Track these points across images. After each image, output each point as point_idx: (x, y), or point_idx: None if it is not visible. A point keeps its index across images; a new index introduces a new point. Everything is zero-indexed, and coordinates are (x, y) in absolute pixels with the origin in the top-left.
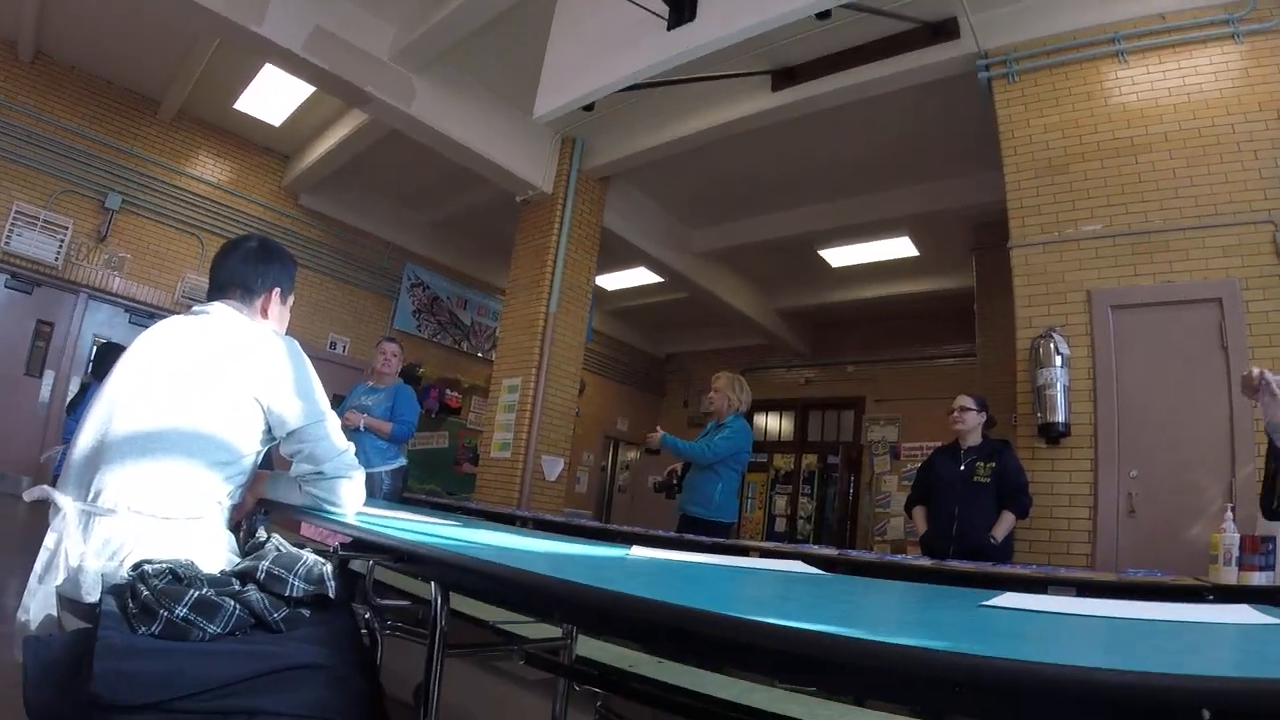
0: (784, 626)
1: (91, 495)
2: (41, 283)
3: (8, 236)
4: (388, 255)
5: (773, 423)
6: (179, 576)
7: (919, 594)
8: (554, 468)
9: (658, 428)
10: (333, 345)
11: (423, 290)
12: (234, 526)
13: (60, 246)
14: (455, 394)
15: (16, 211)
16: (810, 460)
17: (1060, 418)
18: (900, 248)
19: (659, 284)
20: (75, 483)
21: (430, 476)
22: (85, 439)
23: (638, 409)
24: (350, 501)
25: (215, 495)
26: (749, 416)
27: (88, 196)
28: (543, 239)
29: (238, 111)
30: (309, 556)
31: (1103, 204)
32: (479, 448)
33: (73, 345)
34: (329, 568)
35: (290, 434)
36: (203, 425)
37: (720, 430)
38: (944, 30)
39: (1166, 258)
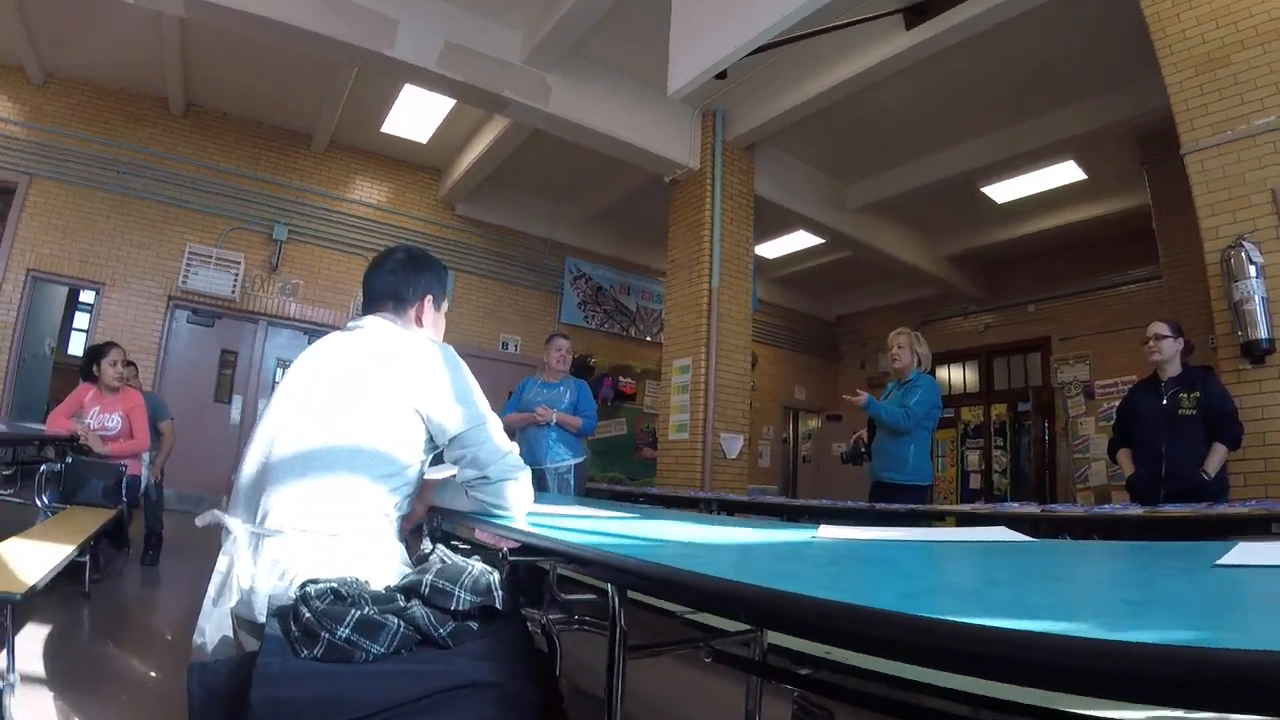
0: (985, 628)
1: (259, 517)
2: (222, 315)
3: (185, 276)
4: (547, 252)
5: (955, 375)
6: (341, 595)
7: (1139, 556)
8: (734, 445)
9: (858, 391)
10: (505, 345)
11: (585, 282)
12: (406, 537)
13: (235, 280)
14: (628, 380)
15: (190, 252)
16: (999, 410)
17: (1263, 333)
18: (1066, 173)
19: (820, 245)
20: (244, 506)
21: (612, 464)
22: (250, 462)
23: (814, 375)
24: (518, 503)
25: (382, 509)
26: (932, 371)
27: (256, 231)
28: (696, 215)
29: (386, 134)
30: (475, 566)
31: (1272, 92)
32: (657, 431)
33: (257, 370)
34: (496, 577)
35: (452, 440)
36: (363, 439)
37: (911, 391)
38: None
39: None
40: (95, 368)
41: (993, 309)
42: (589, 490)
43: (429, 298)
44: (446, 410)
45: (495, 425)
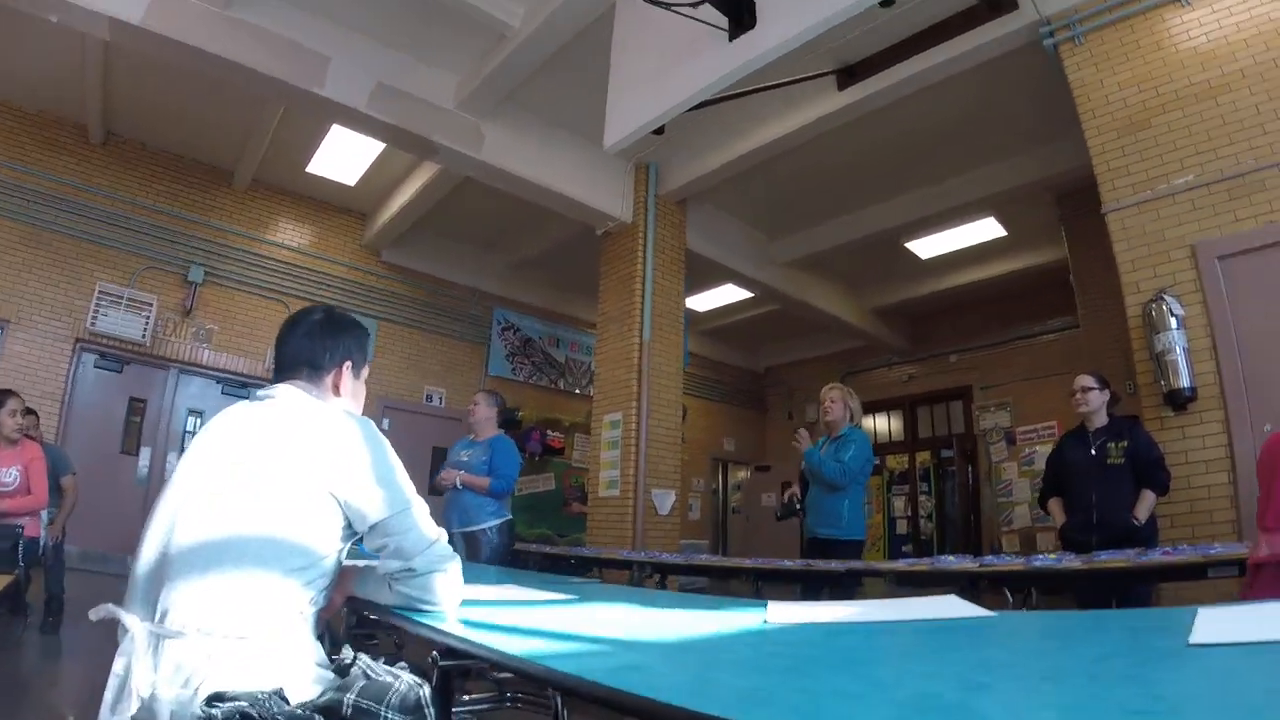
0: None
1: (159, 615)
2: (131, 360)
3: (94, 317)
4: (474, 302)
5: (881, 424)
6: (251, 718)
7: (1106, 633)
8: (665, 501)
9: (802, 433)
10: (429, 398)
11: (514, 333)
12: (323, 630)
13: (146, 323)
14: (557, 434)
15: (100, 292)
16: (924, 457)
17: (1185, 382)
18: (987, 229)
19: (749, 299)
20: (141, 600)
21: (540, 520)
22: (148, 550)
23: (743, 427)
24: (448, 598)
25: (295, 605)
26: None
27: (170, 271)
28: (628, 268)
29: (311, 174)
30: (402, 680)
31: (1191, 154)
32: (586, 487)
33: (167, 420)
34: (426, 691)
35: (373, 528)
36: (274, 529)
37: (845, 446)
38: (1001, 3)
39: (1265, 198)
40: None
41: (916, 360)
42: (517, 551)
43: (348, 364)
44: (366, 494)
45: (421, 510)
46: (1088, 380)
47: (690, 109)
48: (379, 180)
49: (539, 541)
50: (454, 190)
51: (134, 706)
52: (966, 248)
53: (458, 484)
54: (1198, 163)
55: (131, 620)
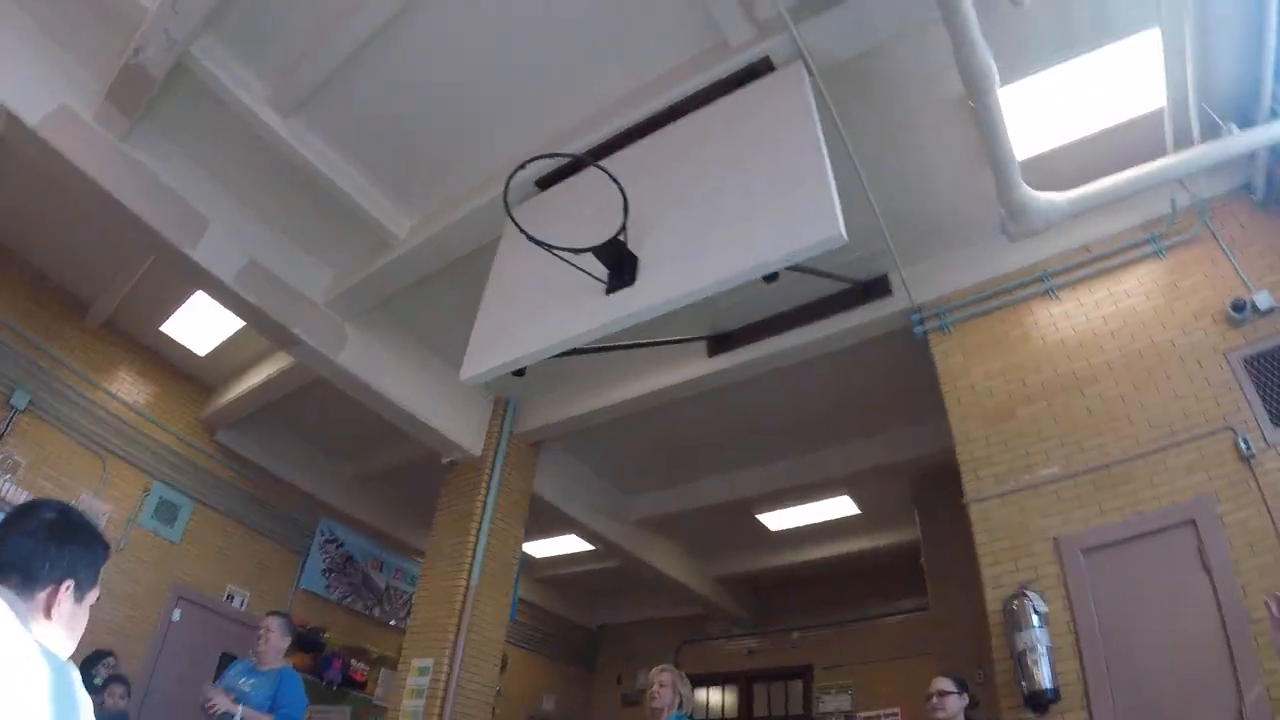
0: None
1: None
2: None
3: None
4: (303, 506)
5: (715, 697)
6: None
7: None
8: None
9: None
10: (230, 598)
11: (336, 547)
12: None
13: None
14: (362, 665)
15: None
16: None
17: (1047, 683)
18: (840, 507)
19: (591, 552)
20: None
21: None
22: None
23: (567, 685)
24: None
25: None
26: (690, 714)
27: None
28: (468, 505)
29: (164, 334)
30: None
31: (1056, 445)
32: None
33: None
34: None
35: None
36: None
37: None
38: (876, 288)
39: (1131, 488)
40: None
41: (757, 633)
42: None
43: (68, 584)
44: None
45: None
46: (945, 684)
47: (557, 356)
48: (231, 357)
49: None
50: (306, 387)
51: None
52: (818, 523)
53: (238, 715)
54: (1063, 454)
55: None
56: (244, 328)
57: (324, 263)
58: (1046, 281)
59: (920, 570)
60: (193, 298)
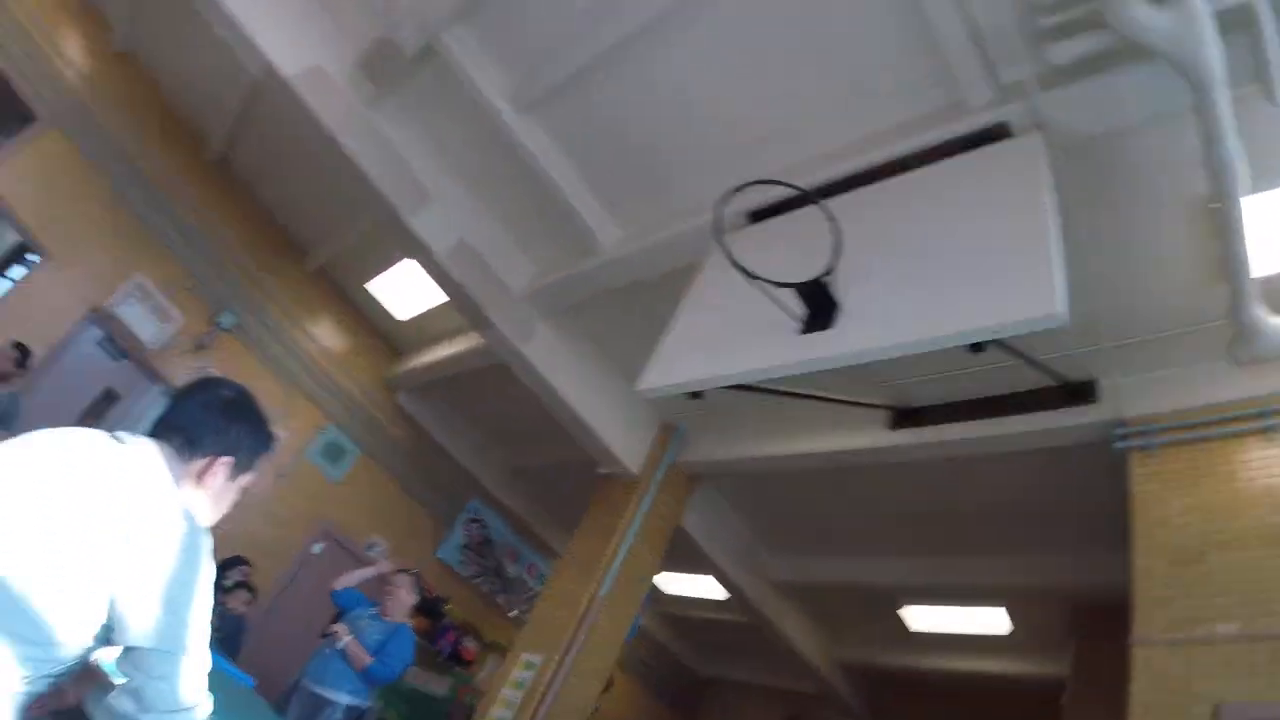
0: None
1: None
2: (129, 356)
3: (118, 300)
4: (458, 481)
5: None
6: None
7: None
8: None
9: None
10: (370, 547)
11: (479, 528)
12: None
13: (161, 334)
14: (473, 645)
15: (135, 283)
16: None
17: None
18: (993, 620)
19: (722, 600)
20: None
21: None
22: None
23: None
24: None
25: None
26: None
27: (206, 303)
28: (613, 519)
29: (368, 292)
30: None
31: (1240, 601)
32: (476, 713)
33: (125, 425)
34: None
35: (129, 650)
36: (17, 580)
37: None
38: (1081, 391)
39: None
40: None
41: None
42: None
43: (227, 461)
44: (141, 607)
45: (193, 666)
46: None
47: (735, 388)
48: (426, 327)
49: None
50: (487, 370)
51: None
52: (962, 634)
53: (341, 644)
54: (1246, 613)
55: None
56: (443, 303)
57: (529, 256)
58: (1266, 419)
59: (1057, 709)
60: (401, 264)
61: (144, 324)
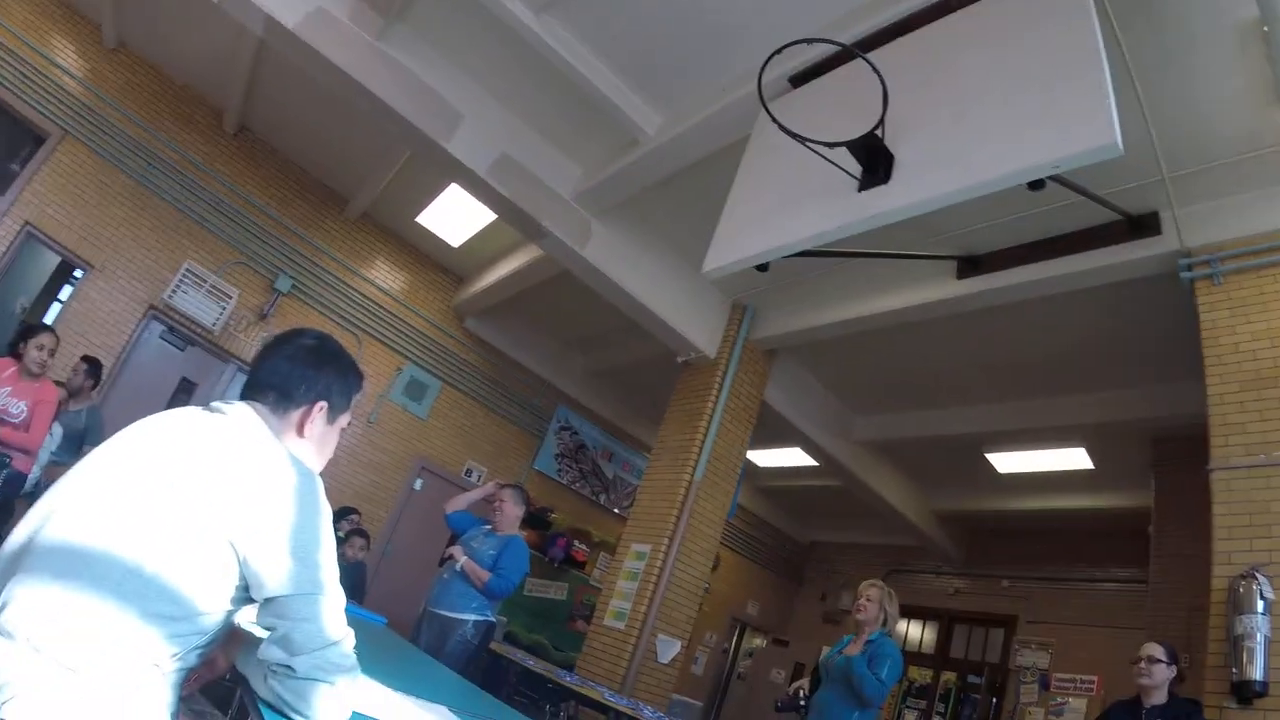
0: None
1: (0, 604)
2: (196, 342)
3: (173, 290)
4: (542, 393)
5: (914, 631)
6: None
7: None
8: (669, 650)
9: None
10: (468, 473)
11: (570, 435)
12: (191, 692)
13: (222, 313)
14: (583, 547)
15: (187, 270)
16: (949, 677)
17: (1259, 674)
18: (1074, 459)
19: (813, 467)
20: None
21: (541, 627)
22: (18, 532)
23: (772, 594)
24: (326, 717)
25: (150, 656)
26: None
27: (259, 273)
28: (698, 404)
29: (419, 225)
30: None
31: None
32: (596, 608)
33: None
34: None
35: (268, 602)
36: (146, 561)
37: (881, 660)
38: (1144, 225)
39: None
40: (21, 345)
41: (966, 574)
42: (497, 656)
43: (322, 406)
44: (272, 560)
45: (332, 603)
46: (1156, 650)
47: (800, 255)
48: (482, 249)
49: (532, 649)
50: (550, 280)
51: None
52: (1048, 472)
53: (459, 566)
54: None
55: None
56: (494, 221)
57: (572, 158)
58: None
59: (1145, 539)
60: (446, 191)
61: (203, 308)
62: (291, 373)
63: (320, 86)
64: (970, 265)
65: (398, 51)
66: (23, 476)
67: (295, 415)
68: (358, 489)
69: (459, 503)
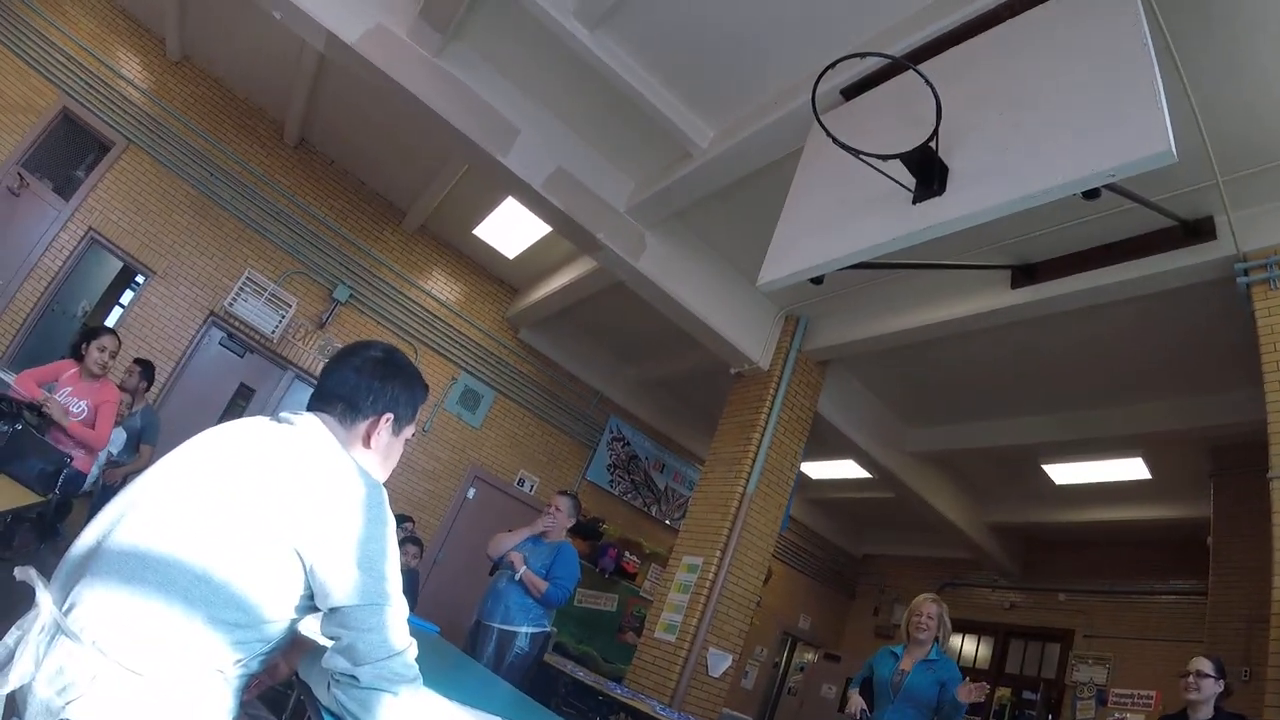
0: None
1: (67, 605)
2: (254, 349)
3: (233, 298)
4: (594, 403)
5: (968, 646)
6: None
7: None
8: (720, 663)
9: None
10: (520, 482)
11: (622, 445)
12: (251, 697)
13: (280, 321)
14: (634, 558)
15: (247, 278)
16: (1004, 694)
17: None
18: (1131, 469)
19: (866, 480)
20: (62, 582)
21: (590, 638)
22: (89, 534)
23: (824, 607)
24: None
25: (214, 661)
26: None
27: (318, 282)
28: (751, 415)
29: (475, 238)
30: None
31: None
32: (646, 620)
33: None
34: None
35: (333, 611)
36: (214, 568)
37: (950, 683)
38: (1199, 230)
39: None
40: (84, 346)
41: (1022, 588)
42: (548, 666)
43: (389, 417)
44: (339, 570)
45: (397, 614)
46: (1204, 664)
47: (855, 267)
48: (537, 261)
49: (581, 660)
50: (603, 291)
51: (9, 685)
52: (1105, 483)
53: (518, 575)
54: None
55: (44, 598)
56: (549, 233)
57: (626, 172)
58: None
59: (1205, 550)
60: (503, 204)
61: (262, 315)
62: (359, 384)
63: (379, 101)
64: (1024, 274)
65: (455, 68)
66: (82, 476)
67: (362, 426)
68: (411, 497)
69: (504, 546)
